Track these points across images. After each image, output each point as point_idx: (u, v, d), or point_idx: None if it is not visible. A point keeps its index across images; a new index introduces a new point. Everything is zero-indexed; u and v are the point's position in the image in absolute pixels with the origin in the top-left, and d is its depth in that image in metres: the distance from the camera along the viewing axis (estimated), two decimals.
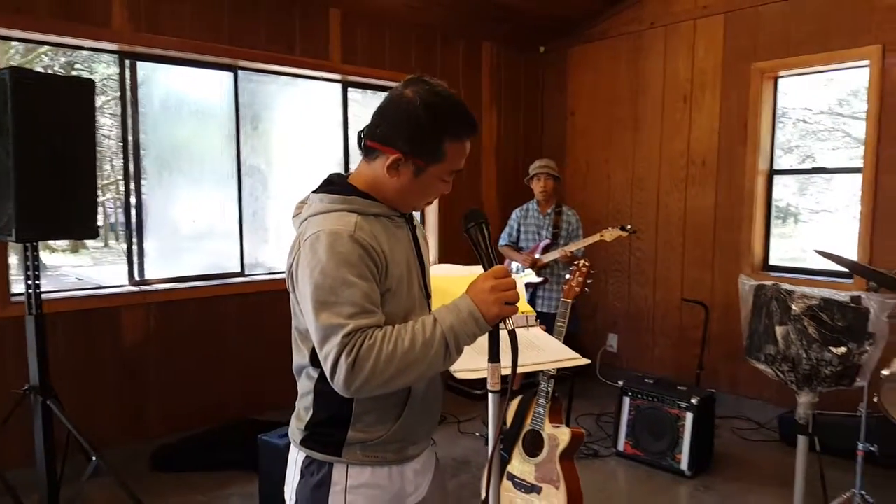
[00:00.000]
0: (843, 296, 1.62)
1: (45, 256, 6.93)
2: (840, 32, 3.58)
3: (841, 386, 1.65)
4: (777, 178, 4.07)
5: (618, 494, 3.16)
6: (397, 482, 1.27)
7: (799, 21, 3.73)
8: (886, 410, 2.26)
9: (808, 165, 4.05)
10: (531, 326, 1.68)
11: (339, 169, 4.19)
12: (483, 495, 1.37)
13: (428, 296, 1.35)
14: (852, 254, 3.56)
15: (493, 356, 1.22)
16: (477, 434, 3.79)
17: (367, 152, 1.24)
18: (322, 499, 1.22)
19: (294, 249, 1.20)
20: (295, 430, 1.29)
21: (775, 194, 4.08)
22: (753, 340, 1.72)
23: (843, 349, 1.56)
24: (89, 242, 7.36)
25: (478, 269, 1.50)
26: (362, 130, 1.25)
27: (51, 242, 7.01)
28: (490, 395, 1.26)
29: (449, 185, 1.27)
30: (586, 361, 1.56)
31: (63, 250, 7.33)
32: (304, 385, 1.27)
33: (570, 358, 1.56)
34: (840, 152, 3.94)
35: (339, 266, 1.11)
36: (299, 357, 1.26)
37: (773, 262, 4.09)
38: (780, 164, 4.05)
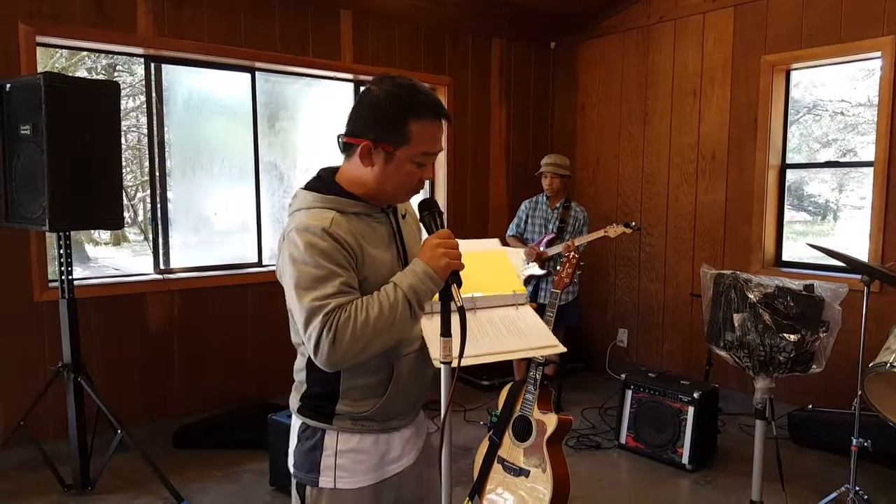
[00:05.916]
0: (797, 284, 1.65)
1: (89, 249, 7.37)
2: (852, 24, 3.50)
3: (796, 372, 1.68)
4: (814, 174, 3.97)
5: (618, 486, 3.19)
6: (382, 448, 1.39)
7: (810, 13, 3.67)
8: (872, 404, 2.25)
9: (848, 160, 3.92)
10: (521, 305, 1.70)
11: None
12: (442, 473, 1.46)
13: None
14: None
15: (445, 331, 1.32)
16: (481, 423, 3.89)
17: (345, 149, 1.36)
18: (315, 461, 1.36)
19: (280, 242, 1.32)
20: (294, 399, 1.42)
21: (811, 190, 3.98)
22: (714, 327, 1.76)
23: (796, 336, 1.59)
24: (130, 236, 7.77)
25: (493, 242, 1.61)
26: (340, 133, 1.36)
27: (94, 236, 7.44)
28: (442, 367, 1.37)
29: (429, 171, 1.32)
30: (563, 349, 1.61)
31: (106, 243, 7.77)
32: (299, 361, 1.40)
33: (550, 345, 1.58)
34: None
35: (315, 256, 1.22)
36: (295, 336, 1.39)
37: (797, 258, 4.00)
38: (818, 157, 3.92)
